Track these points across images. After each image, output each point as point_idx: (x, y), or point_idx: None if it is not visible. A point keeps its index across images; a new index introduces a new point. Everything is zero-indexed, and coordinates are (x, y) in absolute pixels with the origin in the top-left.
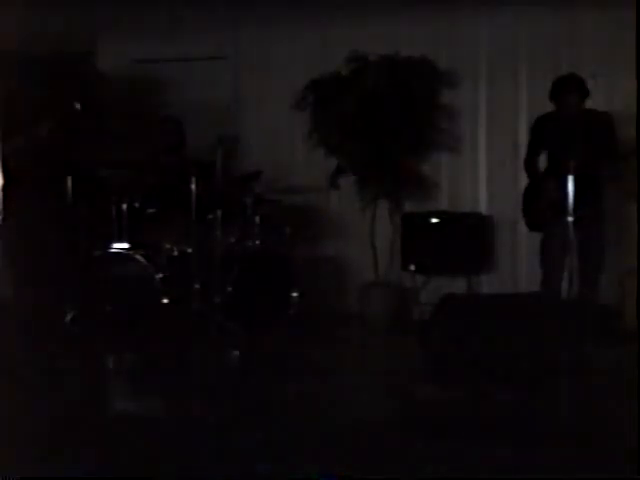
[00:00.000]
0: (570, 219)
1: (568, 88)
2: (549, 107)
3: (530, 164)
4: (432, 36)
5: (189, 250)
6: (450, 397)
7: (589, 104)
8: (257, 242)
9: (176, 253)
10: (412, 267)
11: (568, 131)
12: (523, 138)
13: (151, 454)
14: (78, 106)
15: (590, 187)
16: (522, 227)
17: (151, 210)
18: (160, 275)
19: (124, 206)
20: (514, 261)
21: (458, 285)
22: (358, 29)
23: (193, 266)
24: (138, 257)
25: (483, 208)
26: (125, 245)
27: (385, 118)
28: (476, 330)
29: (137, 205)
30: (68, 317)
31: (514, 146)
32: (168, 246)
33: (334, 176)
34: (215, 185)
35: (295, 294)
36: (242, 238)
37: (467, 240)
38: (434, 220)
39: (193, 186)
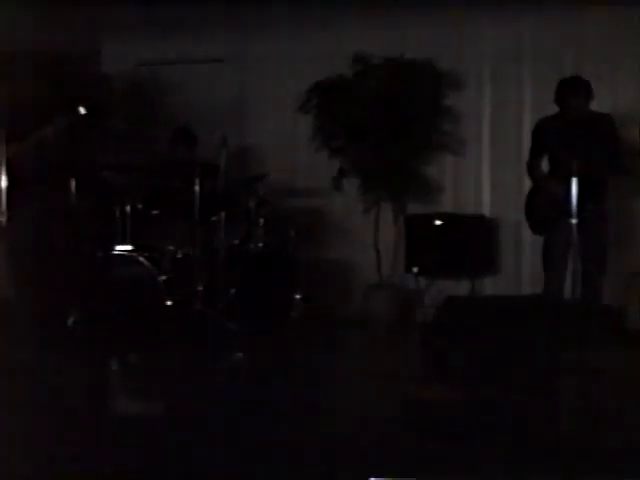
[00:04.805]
0: (573, 221)
1: (574, 91)
2: (552, 109)
3: (532, 167)
4: (435, 38)
5: (192, 252)
6: (452, 399)
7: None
8: (261, 244)
9: (180, 255)
10: (415, 269)
11: (570, 133)
12: (527, 140)
13: (153, 455)
14: (83, 110)
15: (592, 189)
16: (525, 229)
17: (155, 212)
18: (163, 277)
19: (127, 208)
20: (517, 263)
21: (461, 287)
22: (362, 31)
23: (196, 268)
24: (141, 259)
25: (487, 210)
26: (128, 247)
27: (389, 120)
28: (478, 332)
29: (140, 207)
30: (71, 319)
31: (518, 148)
32: (171, 248)
33: (337, 178)
34: (219, 187)
35: (298, 296)
36: (246, 240)
37: (470, 242)
38: (437, 222)
39: (197, 188)
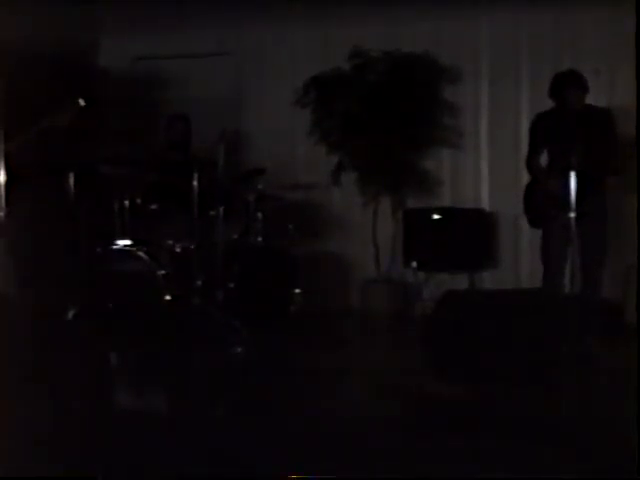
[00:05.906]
0: (571, 215)
1: (568, 84)
2: (550, 103)
3: (531, 162)
4: (433, 33)
5: (191, 247)
6: (451, 394)
7: (589, 100)
8: (259, 239)
9: (178, 250)
10: (414, 264)
11: (568, 127)
12: (525, 134)
13: (152, 452)
14: (82, 102)
15: (591, 183)
16: (524, 223)
17: (153, 206)
18: (162, 272)
19: (126, 202)
20: (516, 257)
21: (460, 281)
22: (360, 26)
23: (195, 263)
24: (140, 254)
25: (485, 204)
26: (127, 242)
27: (387, 114)
28: (477, 326)
29: (139, 201)
30: (70, 314)
31: (516, 142)
32: (170, 243)
33: (336, 173)
34: (217, 182)
35: (297, 291)
36: (244, 235)
37: (469, 236)
38: (436, 216)
39: (195, 182)
